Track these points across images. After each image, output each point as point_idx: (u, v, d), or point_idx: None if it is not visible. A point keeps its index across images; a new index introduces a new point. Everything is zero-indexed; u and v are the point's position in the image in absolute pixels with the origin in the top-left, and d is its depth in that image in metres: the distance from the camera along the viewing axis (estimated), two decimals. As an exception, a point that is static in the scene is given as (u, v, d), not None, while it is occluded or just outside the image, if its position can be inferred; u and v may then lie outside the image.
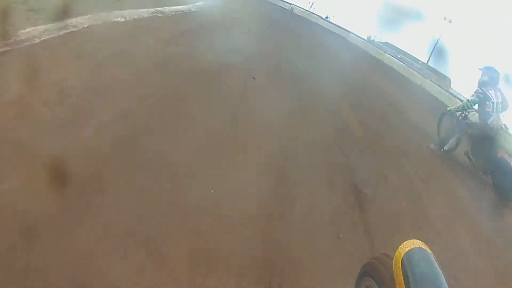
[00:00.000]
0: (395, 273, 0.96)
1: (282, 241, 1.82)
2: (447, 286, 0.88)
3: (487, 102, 4.43)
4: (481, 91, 4.48)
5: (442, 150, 4.91)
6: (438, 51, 11.01)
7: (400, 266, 0.95)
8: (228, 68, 4.26)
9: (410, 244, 1.01)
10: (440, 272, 0.91)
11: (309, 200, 2.35)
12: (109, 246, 1.37)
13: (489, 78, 4.50)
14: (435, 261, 0.95)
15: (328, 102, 4.93)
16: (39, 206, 1.36)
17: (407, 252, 0.98)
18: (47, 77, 2.29)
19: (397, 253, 1.01)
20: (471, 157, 4.73)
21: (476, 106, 4.67)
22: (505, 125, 4.67)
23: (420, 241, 1.03)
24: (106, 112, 2.24)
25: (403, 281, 0.91)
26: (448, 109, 5.07)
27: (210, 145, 2.47)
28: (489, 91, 4.43)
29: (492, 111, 4.45)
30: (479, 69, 4.64)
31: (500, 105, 4.50)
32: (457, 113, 4.87)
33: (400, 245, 1.03)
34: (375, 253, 1.26)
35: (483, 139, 4.54)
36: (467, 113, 4.84)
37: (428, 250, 1.00)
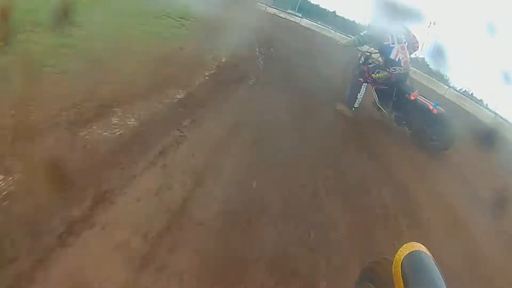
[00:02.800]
0: (395, 277, 0.96)
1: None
2: None
3: (384, 36, 3.76)
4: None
5: (353, 109, 4.10)
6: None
7: (400, 269, 0.95)
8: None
9: (410, 247, 1.00)
10: (440, 275, 0.90)
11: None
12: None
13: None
14: (435, 264, 0.94)
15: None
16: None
17: (406, 255, 0.97)
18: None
19: (396, 256, 1.00)
20: (380, 106, 4.05)
21: (376, 50, 4.01)
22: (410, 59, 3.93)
23: (420, 244, 1.03)
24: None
25: (402, 284, 0.90)
26: (338, 42, 4.46)
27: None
28: None
29: (393, 44, 3.75)
30: None
31: (404, 38, 3.78)
32: (360, 63, 4.14)
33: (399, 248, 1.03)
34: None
35: (390, 80, 3.87)
36: (368, 54, 4.14)
37: (428, 252, 0.99)
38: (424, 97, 3.82)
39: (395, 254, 1.02)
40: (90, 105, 2.19)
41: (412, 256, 0.96)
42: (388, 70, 3.79)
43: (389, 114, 4.03)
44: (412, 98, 3.76)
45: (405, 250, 1.00)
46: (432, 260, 0.96)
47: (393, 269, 0.98)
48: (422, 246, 1.02)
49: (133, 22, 3.99)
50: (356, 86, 4.00)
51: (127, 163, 1.92)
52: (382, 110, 4.06)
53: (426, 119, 3.69)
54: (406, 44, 3.80)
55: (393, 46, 3.73)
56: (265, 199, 2.10)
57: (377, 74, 3.86)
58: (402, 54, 3.75)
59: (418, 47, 3.99)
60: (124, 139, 2.11)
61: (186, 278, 1.40)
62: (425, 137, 3.76)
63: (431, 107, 3.65)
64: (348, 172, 2.81)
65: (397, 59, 3.74)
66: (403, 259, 0.96)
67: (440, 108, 3.70)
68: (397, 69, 3.75)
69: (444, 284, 0.88)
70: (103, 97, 2.30)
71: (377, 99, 4.09)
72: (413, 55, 4.07)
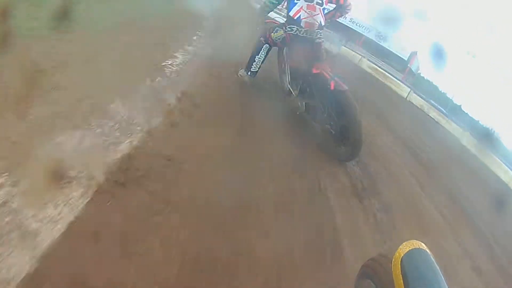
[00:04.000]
0: (394, 275, 0.95)
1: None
2: (446, 287, 0.87)
3: None
4: None
5: (248, 74, 3.41)
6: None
7: (399, 267, 0.95)
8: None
9: (409, 245, 1.00)
10: (439, 273, 0.90)
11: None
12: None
13: None
14: (434, 262, 0.94)
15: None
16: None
17: (406, 253, 0.97)
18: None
19: (396, 254, 1.00)
20: (290, 87, 3.18)
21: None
22: (326, 21, 3.15)
23: (419, 242, 1.03)
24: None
25: (402, 282, 0.90)
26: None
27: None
28: None
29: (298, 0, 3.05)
30: None
31: None
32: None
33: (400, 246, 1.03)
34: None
35: (285, 42, 3.15)
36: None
37: (427, 250, 0.99)
38: (331, 72, 2.78)
39: (395, 251, 1.02)
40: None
41: (412, 254, 0.96)
42: (284, 28, 3.13)
43: (300, 101, 3.09)
44: (315, 71, 2.83)
45: (405, 248, 0.99)
46: (432, 258, 0.96)
47: (392, 267, 0.98)
48: (422, 244, 1.02)
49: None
50: (256, 46, 3.41)
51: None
52: (291, 94, 3.16)
53: (324, 101, 2.76)
54: (321, 4, 3.10)
55: (297, 3, 3.06)
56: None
57: (275, 33, 3.20)
58: (306, 13, 3.04)
59: (348, 11, 3.30)
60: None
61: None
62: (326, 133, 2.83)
63: (330, 82, 2.64)
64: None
65: (296, 17, 3.04)
66: (403, 257, 0.96)
67: (340, 81, 2.63)
68: (294, 29, 3.04)
69: (444, 283, 0.88)
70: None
71: (288, 78, 3.22)
72: (341, 18, 3.40)
